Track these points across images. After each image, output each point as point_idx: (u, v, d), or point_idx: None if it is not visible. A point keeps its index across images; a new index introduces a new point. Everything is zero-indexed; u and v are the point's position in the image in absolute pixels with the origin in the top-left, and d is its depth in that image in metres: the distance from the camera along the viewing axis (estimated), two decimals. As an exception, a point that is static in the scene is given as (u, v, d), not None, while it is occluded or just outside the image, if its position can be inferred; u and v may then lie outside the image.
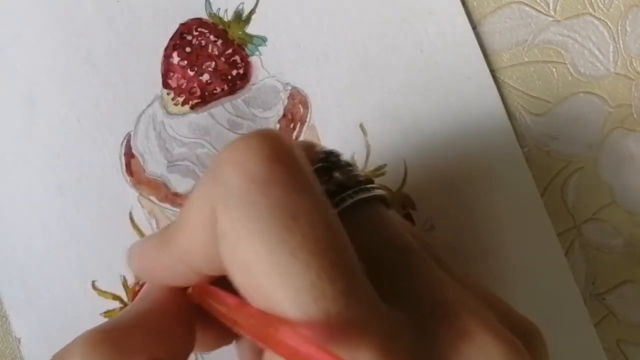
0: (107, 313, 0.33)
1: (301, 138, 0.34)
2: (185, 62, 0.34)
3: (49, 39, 0.34)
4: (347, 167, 0.27)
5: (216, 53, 0.34)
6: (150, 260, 0.26)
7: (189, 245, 0.23)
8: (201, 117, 0.34)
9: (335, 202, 0.25)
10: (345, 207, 0.25)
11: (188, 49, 0.34)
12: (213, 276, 0.24)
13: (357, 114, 0.35)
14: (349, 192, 0.26)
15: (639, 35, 0.36)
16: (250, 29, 0.35)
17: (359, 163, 0.34)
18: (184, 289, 0.26)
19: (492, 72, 0.35)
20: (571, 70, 0.36)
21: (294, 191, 0.21)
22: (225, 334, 0.26)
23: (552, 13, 0.36)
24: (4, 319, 0.33)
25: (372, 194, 0.26)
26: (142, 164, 0.34)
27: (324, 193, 0.22)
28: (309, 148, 0.27)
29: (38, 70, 0.34)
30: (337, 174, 0.26)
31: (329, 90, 0.35)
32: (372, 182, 0.27)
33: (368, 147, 0.34)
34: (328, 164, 0.27)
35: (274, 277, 0.20)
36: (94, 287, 0.33)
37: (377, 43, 0.35)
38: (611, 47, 0.36)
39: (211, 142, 0.34)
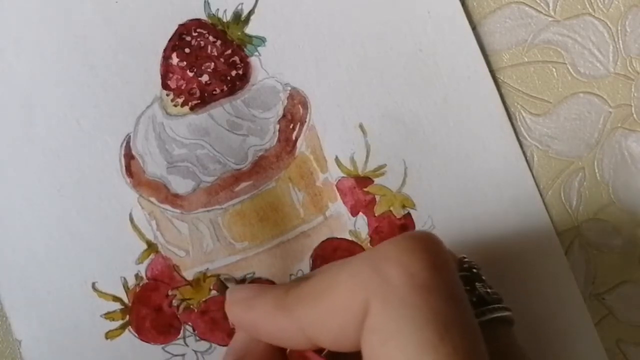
0: (107, 315, 0.33)
1: (301, 138, 0.34)
2: (185, 63, 0.34)
3: (48, 41, 0.34)
4: (485, 281, 0.28)
5: (215, 54, 0.34)
6: (261, 318, 0.27)
7: (320, 321, 0.24)
8: (201, 118, 0.34)
9: (475, 314, 0.25)
10: (483, 320, 0.26)
11: (187, 50, 0.34)
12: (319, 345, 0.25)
13: (357, 114, 0.35)
14: (489, 307, 0.27)
15: (639, 35, 0.36)
16: (250, 30, 0.34)
17: (359, 163, 0.34)
18: (283, 348, 0.27)
19: (492, 72, 0.35)
20: (571, 70, 0.36)
21: (450, 301, 0.22)
22: None
23: (552, 13, 0.36)
24: (4, 319, 0.33)
25: (506, 314, 0.27)
26: (142, 165, 0.34)
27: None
28: (453, 255, 0.28)
29: (37, 72, 0.33)
30: (479, 287, 0.28)
31: (328, 91, 0.35)
32: (502, 301, 0.28)
33: (368, 147, 0.34)
34: (470, 274, 0.28)
35: None
36: (94, 288, 0.33)
37: (376, 43, 0.35)
38: (611, 47, 0.36)
39: (211, 142, 0.34)
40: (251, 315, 0.27)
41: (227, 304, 0.30)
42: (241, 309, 0.28)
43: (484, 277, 0.29)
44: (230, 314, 0.29)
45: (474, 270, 0.29)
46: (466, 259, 0.30)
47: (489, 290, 0.28)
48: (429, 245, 0.24)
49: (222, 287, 0.32)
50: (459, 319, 0.22)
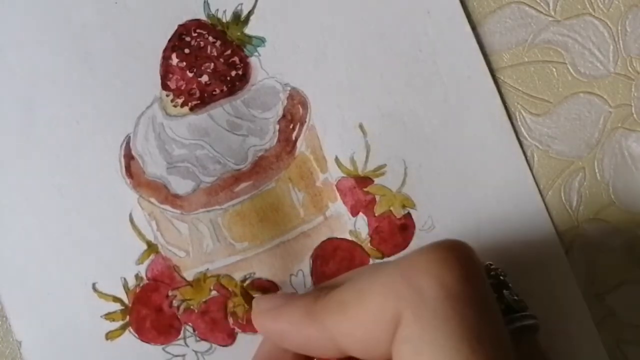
0: (107, 315, 0.33)
1: (301, 138, 0.34)
2: (184, 63, 0.34)
3: (48, 41, 0.34)
4: (512, 288, 0.29)
5: (215, 54, 0.34)
6: (289, 327, 0.27)
7: (351, 330, 0.24)
8: (200, 119, 0.34)
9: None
10: (510, 328, 0.26)
11: (187, 50, 0.34)
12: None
13: (356, 114, 0.35)
14: (517, 315, 0.27)
15: (639, 35, 0.36)
16: (249, 30, 0.34)
17: (359, 163, 0.34)
18: (311, 357, 0.27)
19: (492, 72, 0.35)
20: (571, 70, 0.36)
21: (483, 313, 0.22)
22: None
23: (552, 13, 0.36)
24: (4, 319, 0.33)
25: (533, 322, 0.28)
26: (141, 165, 0.34)
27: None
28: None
29: (37, 72, 0.33)
30: (507, 294, 0.28)
31: (328, 91, 0.35)
32: (527, 308, 0.28)
33: (368, 147, 0.34)
34: (498, 281, 0.29)
35: None
36: (94, 289, 0.33)
37: (376, 43, 0.35)
38: (611, 47, 0.36)
39: (211, 143, 0.34)
40: (279, 325, 0.28)
41: (253, 314, 0.30)
42: (269, 319, 0.28)
43: (510, 285, 0.29)
44: (256, 324, 0.30)
45: (501, 278, 0.29)
46: (493, 266, 0.30)
47: (515, 297, 0.28)
48: (461, 255, 0.24)
49: (247, 296, 0.33)
50: (491, 331, 0.22)
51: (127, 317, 0.33)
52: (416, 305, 0.22)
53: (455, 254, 0.24)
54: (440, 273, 0.23)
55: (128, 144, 0.34)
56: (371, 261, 0.34)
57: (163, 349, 0.33)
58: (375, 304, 0.23)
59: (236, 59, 0.34)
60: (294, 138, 0.34)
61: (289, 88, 0.34)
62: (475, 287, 0.23)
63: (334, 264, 0.34)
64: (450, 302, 0.22)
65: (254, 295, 0.33)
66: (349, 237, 0.34)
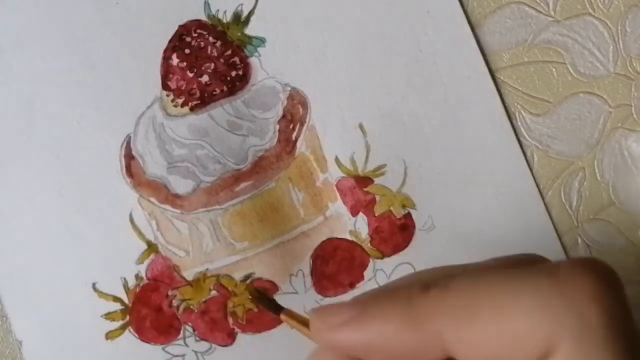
0: (107, 315, 0.33)
1: (301, 138, 0.34)
2: (185, 63, 0.34)
3: (49, 42, 0.34)
4: None
5: (215, 54, 0.34)
6: (385, 336, 0.22)
7: (481, 343, 0.21)
8: (201, 119, 0.34)
9: None
10: None
11: (187, 51, 0.34)
12: None
13: (356, 114, 0.35)
14: None
15: (639, 35, 0.36)
16: (249, 30, 0.34)
17: (359, 163, 0.34)
18: None
19: (492, 72, 0.35)
20: (571, 70, 0.36)
21: (636, 339, 0.21)
22: None
23: (552, 13, 0.36)
24: (4, 319, 0.33)
25: None
26: (142, 165, 0.34)
27: None
28: None
29: (38, 73, 0.33)
30: None
31: (328, 91, 0.35)
32: None
33: (368, 147, 0.34)
34: None
35: None
36: (94, 289, 0.33)
37: (376, 43, 0.35)
38: (611, 47, 0.36)
39: (211, 143, 0.34)
40: (367, 336, 0.23)
41: (319, 331, 0.24)
42: (349, 331, 0.23)
43: None
44: (328, 341, 0.24)
45: None
46: None
47: None
48: (620, 284, 0.22)
49: (259, 295, 0.29)
50: None
51: (127, 317, 0.33)
52: (580, 334, 0.20)
53: (616, 282, 0.22)
54: (607, 301, 0.21)
55: (128, 144, 0.34)
56: (371, 261, 0.34)
57: (163, 348, 0.33)
58: (524, 321, 0.21)
59: (236, 59, 0.34)
60: (294, 138, 0.34)
61: (289, 88, 0.34)
62: (628, 313, 0.21)
63: (334, 263, 0.34)
64: (614, 330, 0.20)
65: (281, 305, 0.27)
66: (349, 237, 0.34)
